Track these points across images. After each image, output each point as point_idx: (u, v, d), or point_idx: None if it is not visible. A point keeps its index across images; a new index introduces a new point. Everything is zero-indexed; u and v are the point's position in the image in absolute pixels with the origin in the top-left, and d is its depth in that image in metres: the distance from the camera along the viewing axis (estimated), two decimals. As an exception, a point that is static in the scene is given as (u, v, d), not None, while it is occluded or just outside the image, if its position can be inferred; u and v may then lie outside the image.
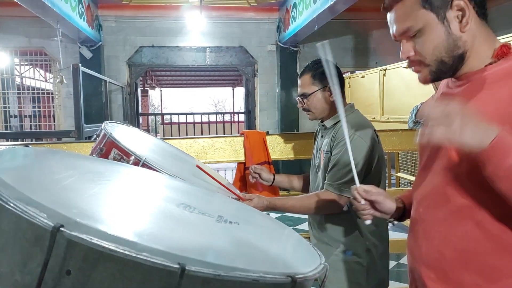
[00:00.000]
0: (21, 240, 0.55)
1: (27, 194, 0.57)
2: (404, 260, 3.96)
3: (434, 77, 0.99)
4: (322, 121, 1.84)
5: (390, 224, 1.82)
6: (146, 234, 0.60)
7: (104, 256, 0.53)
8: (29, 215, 0.54)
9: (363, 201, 1.11)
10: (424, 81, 1.00)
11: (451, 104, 0.80)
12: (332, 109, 1.76)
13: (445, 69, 0.97)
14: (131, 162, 1.30)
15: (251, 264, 0.63)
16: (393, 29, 1.00)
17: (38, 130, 7.60)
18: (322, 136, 1.84)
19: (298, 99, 1.82)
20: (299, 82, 1.81)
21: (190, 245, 0.63)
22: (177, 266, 0.53)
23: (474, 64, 0.96)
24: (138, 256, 0.52)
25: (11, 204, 0.54)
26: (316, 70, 1.74)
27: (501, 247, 0.89)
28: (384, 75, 5.21)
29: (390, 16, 1.00)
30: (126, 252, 0.52)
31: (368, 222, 1.12)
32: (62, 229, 0.52)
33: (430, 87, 2.55)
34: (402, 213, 1.19)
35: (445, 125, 0.78)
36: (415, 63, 0.99)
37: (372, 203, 1.12)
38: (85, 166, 0.89)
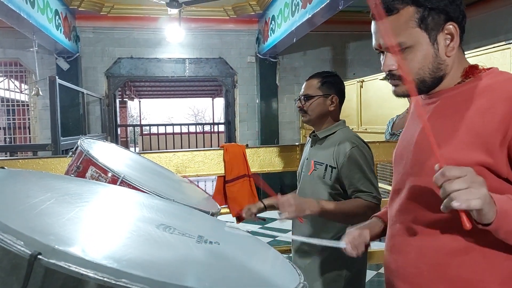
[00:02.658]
0: (-3, 269, 0.54)
1: (3, 221, 0.57)
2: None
3: (411, 93, 0.99)
4: (313, 132, 1.88)
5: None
6: (125, 260, 0.60)
7: (82, 283, 0.52)
8: (6, 243, 0.53)
9: (350, 247, 1.15)
10: (402, 95, 1.02)
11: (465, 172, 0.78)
12: (327, 119, 1.82)
13: (424, 88, 0.99)
14: (109, 179, 1.29)
15: (232, 286, 0.63)
16: (379, 39, 0.99)
17: (13, 142, 7.42)
18: (311, 146, 1.87)
19: (299, 98, 1.86)
20: (305, 84, 1.87)
21: (170, 270, 0.63)
22: (156, 292, 0.53)
23: (446, 84, 0.99)
24: (118, 283, 0.52)
25: (-13, 233, 0.54)
26: (326, 78, 1.82)
27: (475, 260, 0.91)
28: (361, 86, 5.30)
29: (377, 25, 0.99)
30: (105, 279, 0.52)
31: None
32: (39, 257, 0.52)
33: (405, 100, 2.61)
34: (381, 231, 1.23)
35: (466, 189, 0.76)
36: (395, 77, 0.99)
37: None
38: (62, 187, 0.88)
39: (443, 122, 0.96)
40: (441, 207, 0.78)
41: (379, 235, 1.23)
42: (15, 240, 0.54)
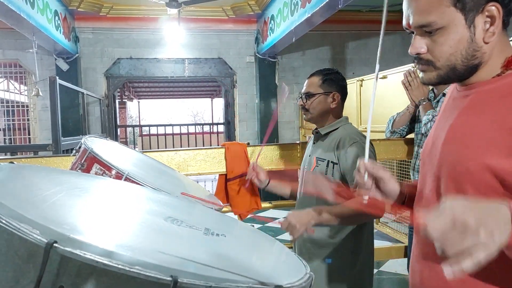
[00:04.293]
0: (14, 257, 0.55)
1: (18, 211, 0.58)
2: (385, 267, 4.02)
3: (439, 82, 0.90)
4: (316, 128, 1.89)
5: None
6: (138, 248, 0.61)
7: (97, 271, 0.54)
8: (22, 232, 0.54)
9: (366, 176, 1.00)
10: (428, 82, 0.92)
11: (457, 213, 0.64)
12: (329, 117, 1.83)
13: (454, 77, 0.89)
14: (113, 176, 1.30)
15: (238, 276, 0.65)
16: (409, 18, 0.88)
17: (12, 143, 7.42)
18: (314, 143, 1.89)
19: (300, 97, 1.87)
20: (306, 82, 1.88)
21: (181, 258, 0.64)
22: (169, 278, 0.54)
23: (483, 75, 0.88)
24: (132, 269, 0.53)
25: (4, 221, 0.55)
26: (327, 76, 1.82)
27: (509, 277, 0.80)
28: (361, 85, 5.32)
29: (410, 1, 0.88)
30: (120, 266, 0.53)
31: (365, 199, 1.03)
32: (55, 245, 0.53)
33: (405, 97, 2.63)
34: (403, 200, 1.07)
35: (469, 241, 0.62)
36: (423, 62, 0.89)
37: (376, 182, 1.02)
38: (71, 182, 0.89)
39: (475, 120, 0.85)
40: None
41: (396, 199, 1.05)
42: (31, 229, 0.55)
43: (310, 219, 1.54)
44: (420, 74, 0.93)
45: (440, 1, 0.82)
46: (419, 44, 0.87)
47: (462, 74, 0.88)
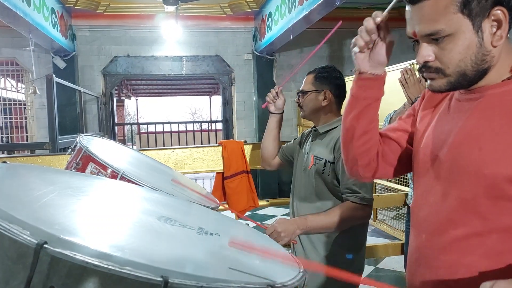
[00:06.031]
0: (3, 258, 0.55)
1: (9, 211, 0.58)
2: (382, 264, 4.03)
3: (449, 88, 0.89)
4: (314, 126, 1.89)
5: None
6: (128, 248, 0.61)
7: (88, 271, 0.54)
8: (12, 233, 0.54)
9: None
10: (438, 90, 0.90)
11: None
12: (323, 114, 1.82)
13: (464, 82, 0.87)
14: (108, 175, 1.30)
15: (232, 275, 0.65)
16: (414, 27, 0.86)
17: (9, 142, 7.41)
18: (312, 140, 1.88)
19: (297, 94, 1.89)
20: (304, 79, 1.89)
21: (173, 258, 0.64)
22: (160, 279, 0.54)
23: (492, 78, 0.87)
24: (122, 270, 0.53)
25: (-7, 223, 0.55)
26: (320, 73, 1.82)
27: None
28: (358, 83, 5.32)
29: (413, 10, 0.86)
30: (110, 267, 0.53)
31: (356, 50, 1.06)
32: (45, 245, 0.53)
33: (401, 95, 2.62)
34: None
35: None
36: (431, 70, 0.88)
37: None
38: (64, 181, 0.89)
39: (488, 123, 0.85)
40: None
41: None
42: (22, 230, 0.55)
43: (296, 228, 1.55)
44: (428, 82, 0.91)
45: (446, 8, 0.81)
46: (427, 52, 0.86)
47: (472, 79, 0.87)
